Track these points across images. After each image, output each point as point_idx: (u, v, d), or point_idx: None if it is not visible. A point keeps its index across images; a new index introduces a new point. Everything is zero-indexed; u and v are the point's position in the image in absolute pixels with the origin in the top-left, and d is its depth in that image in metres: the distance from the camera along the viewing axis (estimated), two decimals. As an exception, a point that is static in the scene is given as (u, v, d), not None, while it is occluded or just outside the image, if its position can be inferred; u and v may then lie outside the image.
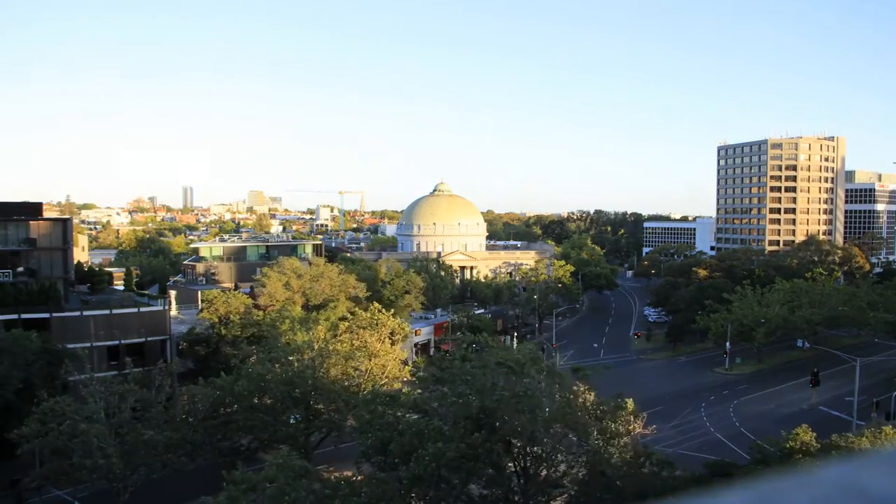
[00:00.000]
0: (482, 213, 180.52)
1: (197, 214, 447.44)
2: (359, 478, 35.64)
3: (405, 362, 64.64)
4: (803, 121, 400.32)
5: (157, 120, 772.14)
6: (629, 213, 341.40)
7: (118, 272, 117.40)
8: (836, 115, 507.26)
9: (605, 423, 37.53)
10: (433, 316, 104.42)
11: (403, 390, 50.33)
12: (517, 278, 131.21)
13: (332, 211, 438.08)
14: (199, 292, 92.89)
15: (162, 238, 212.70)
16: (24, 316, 62.99)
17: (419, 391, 44.65)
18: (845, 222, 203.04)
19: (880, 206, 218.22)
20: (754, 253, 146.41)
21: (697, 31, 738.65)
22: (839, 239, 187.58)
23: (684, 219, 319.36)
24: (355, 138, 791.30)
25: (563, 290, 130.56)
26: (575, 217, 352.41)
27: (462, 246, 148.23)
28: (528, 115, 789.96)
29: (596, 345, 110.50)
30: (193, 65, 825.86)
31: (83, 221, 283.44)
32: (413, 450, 33.90)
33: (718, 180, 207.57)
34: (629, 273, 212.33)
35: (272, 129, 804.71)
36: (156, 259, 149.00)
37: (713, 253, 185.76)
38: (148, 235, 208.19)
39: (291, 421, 48.33)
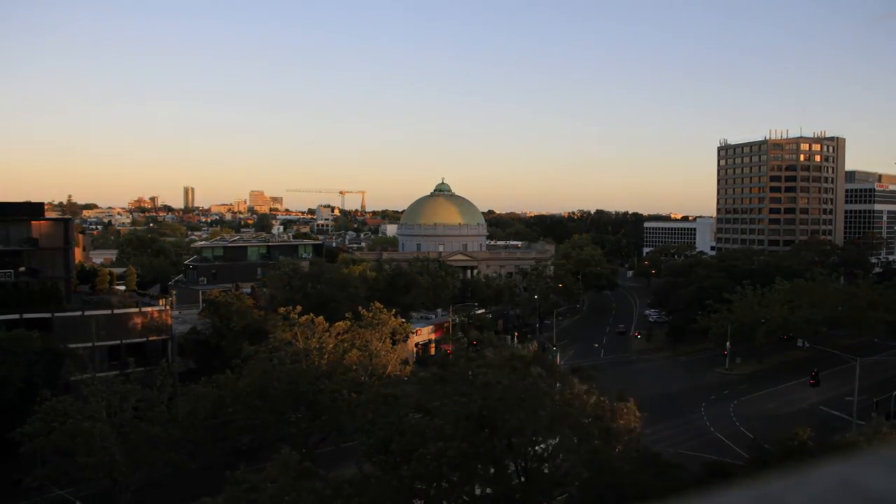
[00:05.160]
0: (482, 213, 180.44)
1: (198, 214, 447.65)
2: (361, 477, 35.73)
3: (406, 362, 64.79)
4: (803, 121, 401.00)
5: (159, 120, 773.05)
6: (629, 213, 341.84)
7: (119, 272, 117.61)
8: (836, 115, 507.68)
9: (605, 423, 37.60)
10: (434, 316, 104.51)
11: (405, 390, 50.40)
12: (518, 278, 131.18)
13: (332, 211, 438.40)
14: (201, 292, 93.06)
15: (163, 238, 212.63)
16: (25, 316, 63.17)
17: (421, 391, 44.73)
18: (845, 222, 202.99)
19: (880, 206, 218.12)
20: (754, 253, 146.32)
21: (698, 31, 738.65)
22: (839, 239, 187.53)
23: (684, 219, 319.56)
24: (356, 139, 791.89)
25: (563, 290, 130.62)
26: (575, 217, 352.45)
27: (462, 246, 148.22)
28: (529, 115, 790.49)
29: (596, 345, 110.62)
30: (194, 65, 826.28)
31: (85, 221, 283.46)
32: (414, 449, 34.01)
33: (719, 180, 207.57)
34: (629, 273, 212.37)
35: (273, 129, 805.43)
36: (157, 259, 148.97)
37: (713, 253, 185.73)
38: (149, 235, 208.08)
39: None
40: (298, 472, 32.73)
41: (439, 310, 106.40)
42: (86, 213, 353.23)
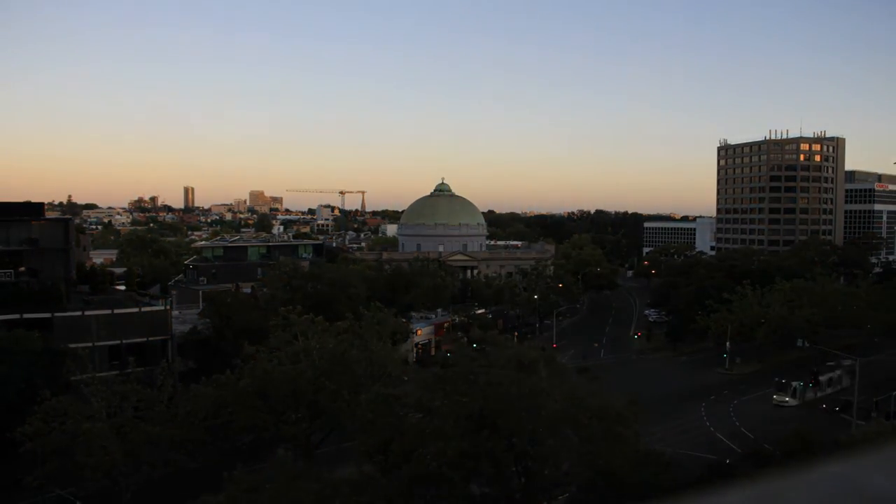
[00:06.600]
0: (482, 213, 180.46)
1: (198, 214, 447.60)
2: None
3: (406, 362, 64.75)
4: (803, 121, 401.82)
5: (159, 120, 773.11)
6: (629, 212, 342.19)
7: (119, 272, 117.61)
8: (836, 115, 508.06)
9: (607, 423, 37.59)
10: (434, 316, 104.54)
11: (405, 390, 50.38)
12: (518, 278, 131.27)
13: (332, 211, 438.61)
14: (201, 292, 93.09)
15: (163, 238, 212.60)
16: (26, 316, 63.02)
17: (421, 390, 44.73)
18: (845, 222, 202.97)
19: (880, 206, 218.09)
20: (754, 253, 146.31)
21: (698, 31, 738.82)
22: (839, 239, 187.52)
23: (684, 219, 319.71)
24: (356, 138, 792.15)
25: (563, 290, 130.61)
26: (575, 217, 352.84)
27: (462, 246, 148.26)
28: (529, 114, 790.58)
29: (596, 344, 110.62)
30: (194, 64, 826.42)
31: (85, 221, 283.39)
32: (414, 449, 34.04)
33: (719, 180, 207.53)
34: (629, 273, 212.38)
35: (273, 129, 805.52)
36: (157, 259, 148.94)
37: (713, 253, 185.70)
38: (150, 235, 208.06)
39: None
40: (296, 472, 32.75)
41: (439, 310, 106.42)
42: (86, 212, 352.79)
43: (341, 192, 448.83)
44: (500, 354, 42.96)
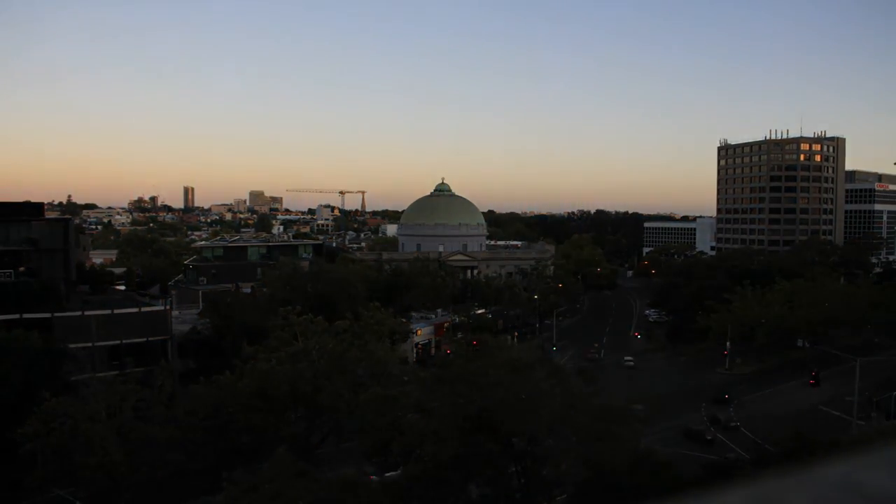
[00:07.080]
0: (482, 213, 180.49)
1: (198, 214, 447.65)
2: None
3: (406, 362, 64.75)
4: (803, 121, 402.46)
5: (159, 120, 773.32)
6: (629, 212, 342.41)
7: (119, 272, 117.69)
8: (836, 115, 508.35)
9: (606, 424, 37.59)
10: (434, 316, 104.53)
11: (405, 390, 50.38)
12: (518, 278, 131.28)
13: (332, 211, 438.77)
14: (201, 292, 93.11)
15: (163, 238, 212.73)
16: (25, 316, 63.01)
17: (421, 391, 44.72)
18: (845, 222, 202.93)
19: (880, 206, 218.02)
20: (754, 253, 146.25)
21: (698, 31, 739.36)
22: (839, 239, 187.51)
23: (685, 219, 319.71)
24: (356, 138, 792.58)
25: (563, 290, 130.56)
26: (575, 217, 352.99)
27: (462, 246, 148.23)
28: (529, 115, 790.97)
29: (596, 345, 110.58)
30: (195, 64, 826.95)
31: (85, 221, 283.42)
32: (413, 450, 34.04)
33: (719, 180, 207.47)
34: (629, 273, 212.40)
35: (273, 129, 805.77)
36: (157, 259, 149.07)
37: (713, 253, 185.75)
38: (150, 235, 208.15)
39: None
40: (295, 472, 32.75)
41: (439, 310, 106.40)
42: (86, 212, 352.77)
43: (341, 192, 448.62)
44: (499, 356, 42.97)
